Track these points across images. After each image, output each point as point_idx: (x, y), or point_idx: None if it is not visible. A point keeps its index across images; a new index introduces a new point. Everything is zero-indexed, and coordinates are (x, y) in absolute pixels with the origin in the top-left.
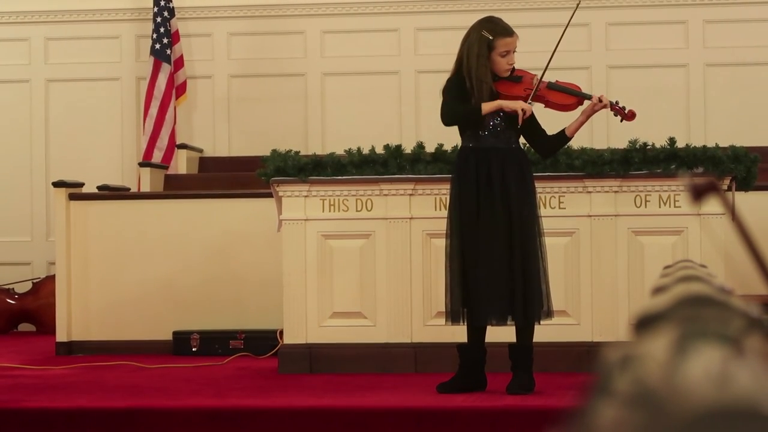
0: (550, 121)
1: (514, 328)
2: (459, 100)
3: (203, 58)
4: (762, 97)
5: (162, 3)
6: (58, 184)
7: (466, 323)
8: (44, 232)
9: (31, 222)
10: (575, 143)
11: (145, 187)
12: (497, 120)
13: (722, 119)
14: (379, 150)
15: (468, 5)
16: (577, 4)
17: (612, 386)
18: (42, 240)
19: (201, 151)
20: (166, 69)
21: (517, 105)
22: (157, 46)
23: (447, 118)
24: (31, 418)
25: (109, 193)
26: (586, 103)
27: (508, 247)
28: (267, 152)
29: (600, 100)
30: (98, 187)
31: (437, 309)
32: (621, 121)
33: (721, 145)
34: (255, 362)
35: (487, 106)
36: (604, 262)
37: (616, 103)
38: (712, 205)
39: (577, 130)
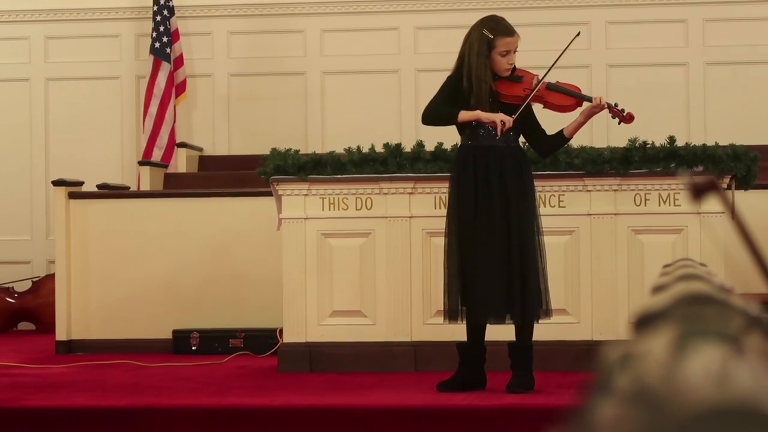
0: (551, 121)
1: (513, 326)
2: (446, 101)
3: (203, 56)
4: (762, 95)
5: (162, 1)
6: (57, 183)
7: (465, 321)
8: (44, 230)
9: (30, 221)
10: (575, 142)
11: (145, 186)
12: None
13: (722, 118)
14: (379, 149)
15: (468, 4)
16: (576, 34)
17: (612, 385)
18: (42, 239)
19: (201, 149)
20: (165, 67)
21: (496, 117)
22: (157, 44)
23: (425, 118)
24: (31, 416)
25: (109, 191)
26: (585, 104)
27: (506, 246)
28: (267, 151)
29: (599, 103)
30: (98, 186)
31: (437, 307)
32: (619, 123)
33: (720, 143)
34: (255, 361)
35: (464, 115)
36: (604, 261)
37: (615, 105)
38: (712, 203)
39: (575, 131)
